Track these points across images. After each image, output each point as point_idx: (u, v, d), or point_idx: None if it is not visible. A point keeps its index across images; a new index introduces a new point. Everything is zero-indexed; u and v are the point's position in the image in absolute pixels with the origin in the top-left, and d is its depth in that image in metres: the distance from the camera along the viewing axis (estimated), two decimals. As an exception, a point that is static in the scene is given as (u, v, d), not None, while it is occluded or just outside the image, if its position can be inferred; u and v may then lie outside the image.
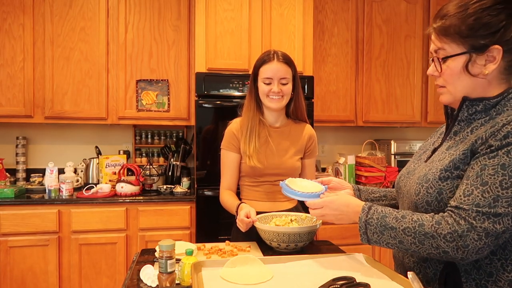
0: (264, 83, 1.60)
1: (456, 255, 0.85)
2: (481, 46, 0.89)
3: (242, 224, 1.43)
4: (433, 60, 0.97)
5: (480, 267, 0.89)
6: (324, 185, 1.23)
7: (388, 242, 0.94)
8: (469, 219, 0.83)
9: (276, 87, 1.59)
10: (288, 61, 1.62)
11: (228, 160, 1.68)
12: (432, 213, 0.91)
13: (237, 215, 1.52)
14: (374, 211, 0.97)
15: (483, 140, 0.87)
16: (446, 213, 0.88)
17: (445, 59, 0.93)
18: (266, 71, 1.59)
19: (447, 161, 0.92)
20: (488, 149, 0.85)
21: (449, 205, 0.89)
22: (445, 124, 1.07)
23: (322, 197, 1.14)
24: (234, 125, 1.69)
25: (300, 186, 1.25)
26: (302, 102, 1.70)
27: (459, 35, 0.90)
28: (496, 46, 0.88)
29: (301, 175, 1.72)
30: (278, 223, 1.45)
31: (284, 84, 1.60)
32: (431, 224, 0.88)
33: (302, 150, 1.70)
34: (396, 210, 0.96)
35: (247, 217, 1.42)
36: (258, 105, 1.68)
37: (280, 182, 1.31)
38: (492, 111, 0.92)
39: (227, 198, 1.65)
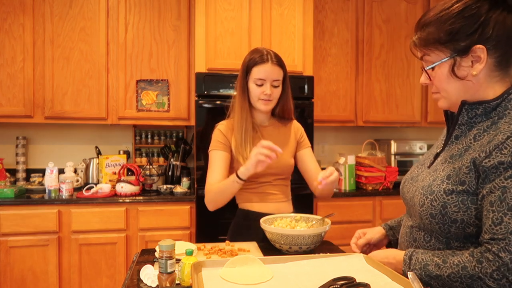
0: (256, 84, 1.57)
1: None
2: (463, 48, 0.88)
3: (265, 151, 1.38)
4: (422, 69, 0.98)
5: None
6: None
7: None
8: (509, 247, 0.80)
9: (268, 89, 1.56)
10: (281, 62, 1.59)
11: (217, 157, 1.61)
12: (472, 250, 0.87)
13: (238, 178, 1.47)
14: (415, 261, 0.94)
15: (487, 154, 0.85)
16: (483, 247, 0.85)
17: (431, 67, 0.94)
18: (259, 72, 1.55)
19: (452, 173, 0.91)
20: (501, 168, 0.82)
21: (482, 238, 0.86)
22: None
23: None
24: (221, 127, 1.65)
25: None
26: (290, 103, 1.68)
27: (439, 42, 0.90)
28: (479, 45, 0.86)
29: (304, 167, 1.71)
30: (284, 225, 1.42)
31: (275, 87, 1.59)
32: (473, 264, 0.83)
33: (294, 145, 1.70)
34: (436, 254, 0.91)
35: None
36: (250, 104, 1.64)
37: None
38: (493, 114, 0.91)
39: (218, 183, 1.56)
